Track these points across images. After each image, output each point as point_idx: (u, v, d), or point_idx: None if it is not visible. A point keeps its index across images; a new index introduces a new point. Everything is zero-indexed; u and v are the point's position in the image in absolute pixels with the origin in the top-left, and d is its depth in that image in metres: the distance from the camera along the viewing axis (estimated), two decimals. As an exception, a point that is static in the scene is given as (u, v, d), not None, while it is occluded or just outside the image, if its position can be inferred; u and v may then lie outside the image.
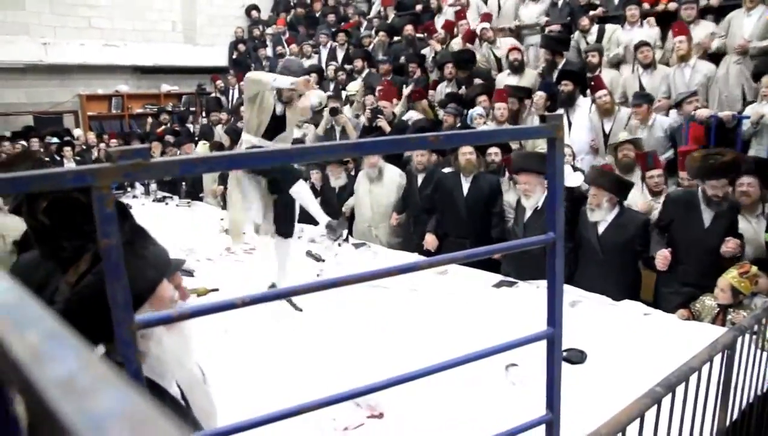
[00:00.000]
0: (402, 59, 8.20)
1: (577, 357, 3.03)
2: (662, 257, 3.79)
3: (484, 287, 4.07)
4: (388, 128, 6.19)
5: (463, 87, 6.97)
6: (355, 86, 7.88)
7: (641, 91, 5.58)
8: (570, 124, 5.68)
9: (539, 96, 5.98)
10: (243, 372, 2.94)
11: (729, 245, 3.64)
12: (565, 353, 3.06)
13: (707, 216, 3.82)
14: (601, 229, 4.02)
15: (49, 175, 0.74)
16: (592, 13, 7.03)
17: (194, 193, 7.54)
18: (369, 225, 5.30)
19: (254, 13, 12.35)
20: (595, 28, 6.87)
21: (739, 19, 5.75)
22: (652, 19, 6.54)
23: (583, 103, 5.80)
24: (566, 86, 5.74)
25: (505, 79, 6.66)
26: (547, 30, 7.20)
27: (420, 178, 5.21)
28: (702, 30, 5.98)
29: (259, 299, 1.01)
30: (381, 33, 8.90)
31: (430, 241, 4.80)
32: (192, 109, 11.79)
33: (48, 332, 0.29)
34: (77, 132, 10.57)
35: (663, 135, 5.23)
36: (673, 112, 5.37)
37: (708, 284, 3.72)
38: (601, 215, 4.00)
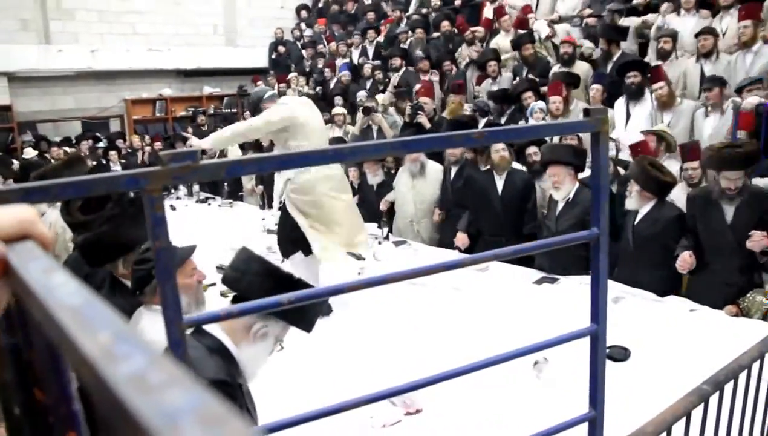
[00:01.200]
0: (435, 56, 8.20)
1: (621, 354, 2.98)
2: (682, 260, 3.67)
3: (525, 284, 4.04)
4: (428, 124, 6.19)
5: (523, 74, 6.91)
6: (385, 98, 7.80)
7: (713, 75, 5.28)
8: (629, 116, 5.52)
9: (596, 89, 5.83)
10: (280, 369, 2.99)
11: (754, 239, 3.49)
12: (608, 350, 3.02)
13: (728, 210, 3.68)
14: (636, 220, 3.96)
15: (105, 179, 0.78)
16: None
17: (235, 193, 7.67)
18: (411, 221, 5.30)
19: (303, 13, 12.46)
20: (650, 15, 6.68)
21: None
22: (705, 12, 6.31)
23: (648, 96, 5.56)
24: (635, 78, 5.51)
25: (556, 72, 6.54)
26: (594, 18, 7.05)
27: (453, 172, 5.21)
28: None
29: (303, 297, 1.03)
30: (418, 30, 8.86)
31: (461, 239, 4.78)
32: (233, 110, 11.99)
33: (117, 333, 0.31)
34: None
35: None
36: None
37: (742, 280, 3.64)
38: (632, 204, 3.93)
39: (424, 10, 9.68)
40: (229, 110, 12.09)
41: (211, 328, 1.75)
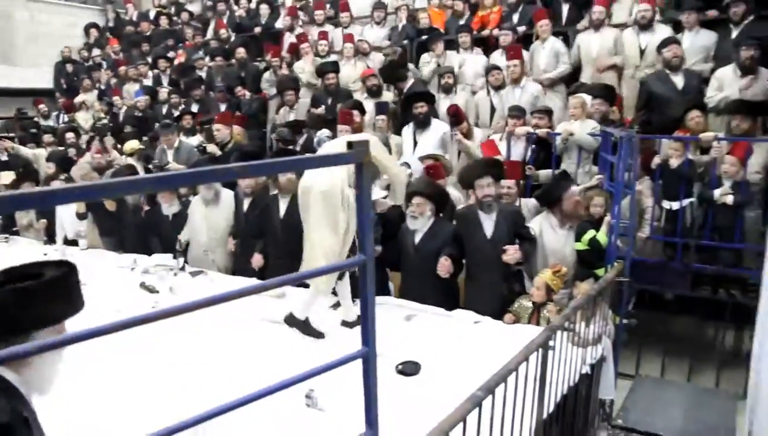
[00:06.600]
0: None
1: (412, 369, 3.13)
2: (441, 265, 4.00)
3: (321, 308, 4.07)
4: (218, 152, 6.09)
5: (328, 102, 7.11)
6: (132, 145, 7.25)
7: (517, 105, 5.93)
8: (416, 143, 5.90)
9: (380, 120, 6.17)
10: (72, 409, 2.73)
11: (509, 253, 3.98)
12: (400, 366, 3.17)
13: (488, 227, 4.16)
14: (417, 238, 4.22)
15: None
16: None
17: (11, 226, 6.82)
18: (205, 250, 5.13)
19: (94, 32, 11.58)
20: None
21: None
22: (478, 49, 7.11)
23: (435, 124, 5.96)
24: (422, 108, 5.88)
25: (364, 103, 6.76)
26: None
27: (247, 203, 5.12)
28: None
29: (49, 345, 0.95)
30: (218, 57, 8.71)
31: (256, 259, 4.73)
32: (11, 134, 10.73)
33: None
34: None
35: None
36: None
37: (506, 288, 4.10)
38: (422, 224, 4.20)
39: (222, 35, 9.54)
40: (6, 135, 10.79)
41: None
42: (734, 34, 5.70)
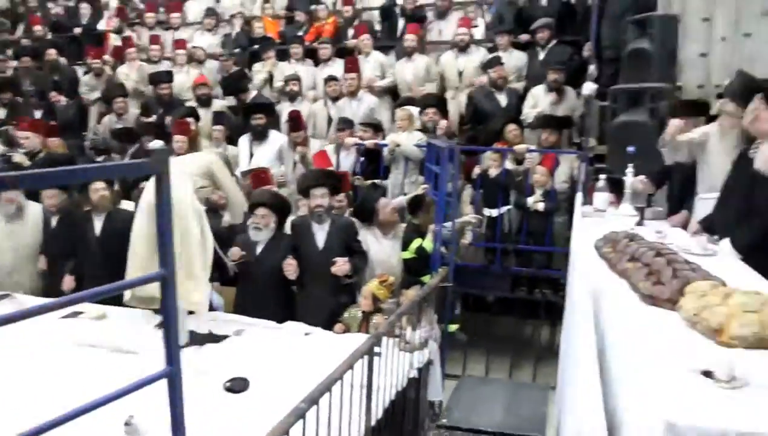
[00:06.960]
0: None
1: (240, 386, 3.05)
2: (287, 264, 4.05)
3: (146, 328, 3.85)
4: (26, 162, 5.56)
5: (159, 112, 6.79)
6: None
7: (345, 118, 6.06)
8: (252, 155, 5.86)
9: (217, 130, 6.10)
10: None
11: (338, 265, 4.06)
12: (228, 384, 3.07)
13: (320, 238, 4.23)
14: (258, 249, 4.17)
15: None
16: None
17: None
18: (9, 272, 4.59)
19: None
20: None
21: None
22: (309, 60, 7.20)
23: (273, 136, 5.94)
24: (260, 120, 5.84)
25: (200, 111, 6.57)
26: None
27: (55, 220, 4.72)
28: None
29: None
30: (25, 58, 7.94)
31: (68, 281, 4.35)
32: None
33: None
34: None
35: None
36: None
37: (334, 301, 4.14)
38: (265, 235, 4.15)
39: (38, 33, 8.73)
40: None
41: None
42: (541, 55, 6.28)
